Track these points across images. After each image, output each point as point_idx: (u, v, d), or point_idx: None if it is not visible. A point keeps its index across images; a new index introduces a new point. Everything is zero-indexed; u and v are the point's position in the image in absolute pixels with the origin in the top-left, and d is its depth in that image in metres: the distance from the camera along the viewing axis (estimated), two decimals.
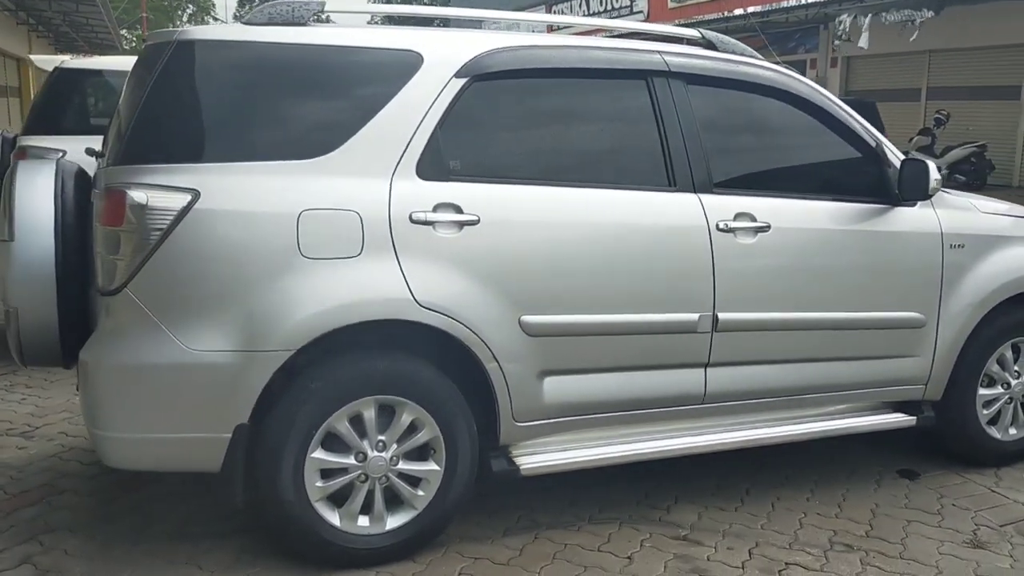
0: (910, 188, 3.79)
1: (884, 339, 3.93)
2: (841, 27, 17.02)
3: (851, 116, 3.92)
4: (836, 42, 18.57)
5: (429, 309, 3.14)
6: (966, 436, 4.24)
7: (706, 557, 3.42)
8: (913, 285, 3.96)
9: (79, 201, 3.31)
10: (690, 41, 3.92)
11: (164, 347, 2.94)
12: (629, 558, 3.39)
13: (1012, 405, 4.31)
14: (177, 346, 2.93)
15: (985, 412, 4.24)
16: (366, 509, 3.22)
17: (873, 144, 3.91)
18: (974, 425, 4.22)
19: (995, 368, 4.23)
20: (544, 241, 3.32)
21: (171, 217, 2.91)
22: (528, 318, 3.29)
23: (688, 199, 3.54)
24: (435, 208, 3.18)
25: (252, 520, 3.53)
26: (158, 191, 2.92)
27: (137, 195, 2.91)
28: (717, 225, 3.54)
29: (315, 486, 3.13)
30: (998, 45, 16.42)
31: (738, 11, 18.40)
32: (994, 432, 4.28)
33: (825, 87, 4.41)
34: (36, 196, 3.25)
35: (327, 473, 3.15)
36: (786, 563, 3.39)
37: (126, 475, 4.00)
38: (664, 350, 3.55)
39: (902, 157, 3.94)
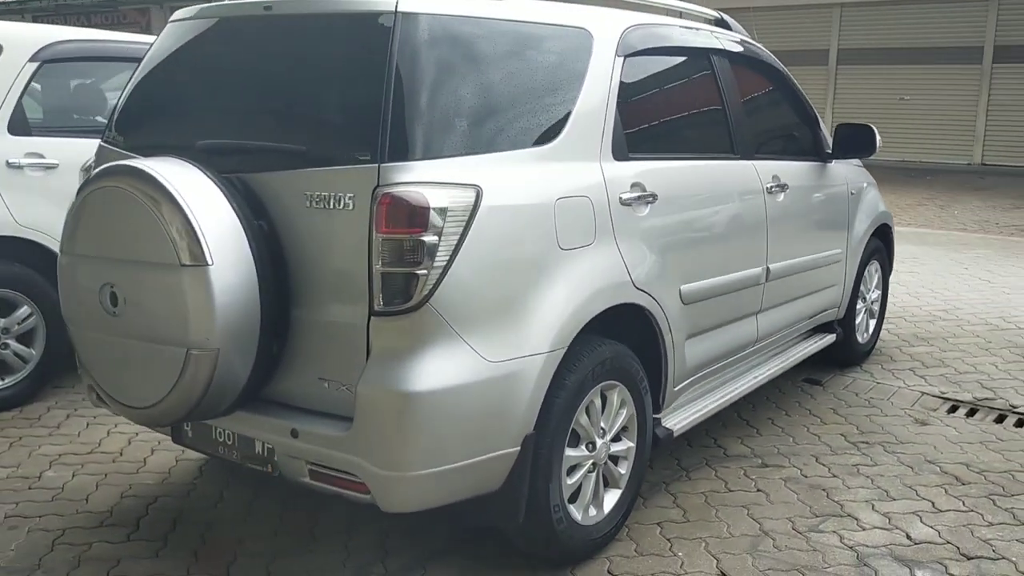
0: (857, 147, 4.62)
1: (828, 272, 4.76)
2: None
3: (801, 89, 4.63)
4: None
5: (640, 290, 3.17)
6: (849, 344, 5.28)
7: (803, 474, 3.94)
8: (838, 226, 4.84)
9: (255, 208, 2.68)
10: (704, 20, 4.26)
11: (469, 363, 2.60)
12: (760, 491, 3.78)
13: (866, 315, 5.47)
14: (481, 360, 2.62)
15: (857, 322, 5.34)
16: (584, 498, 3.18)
17: (812, 112, 4.67)
18: (852, 334, 5.29)
19: (862, 287, 5.33)
20: (696, 212, 3.53)
21: (466, 217, 2.57)
22: (685, 287, 3.47)
23: (748, 165, 3.96)
24: (631, 188, 3.19)
25: (405, 539, 3.22)
26: (451, 189, 2.56)
27: (438, 195, 2.51)
28: (767, 188, 4.02)
29: (566, 485, 3.02)
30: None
31: None
32: (859, 337, 5.40)
33: None
34: (214, 207, 2.57)
35: (568, 470, 3.05)
36: (853, 465, 4.05)
37: (185, 537, 3.29)
38: (743, 303, 3.96)
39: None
